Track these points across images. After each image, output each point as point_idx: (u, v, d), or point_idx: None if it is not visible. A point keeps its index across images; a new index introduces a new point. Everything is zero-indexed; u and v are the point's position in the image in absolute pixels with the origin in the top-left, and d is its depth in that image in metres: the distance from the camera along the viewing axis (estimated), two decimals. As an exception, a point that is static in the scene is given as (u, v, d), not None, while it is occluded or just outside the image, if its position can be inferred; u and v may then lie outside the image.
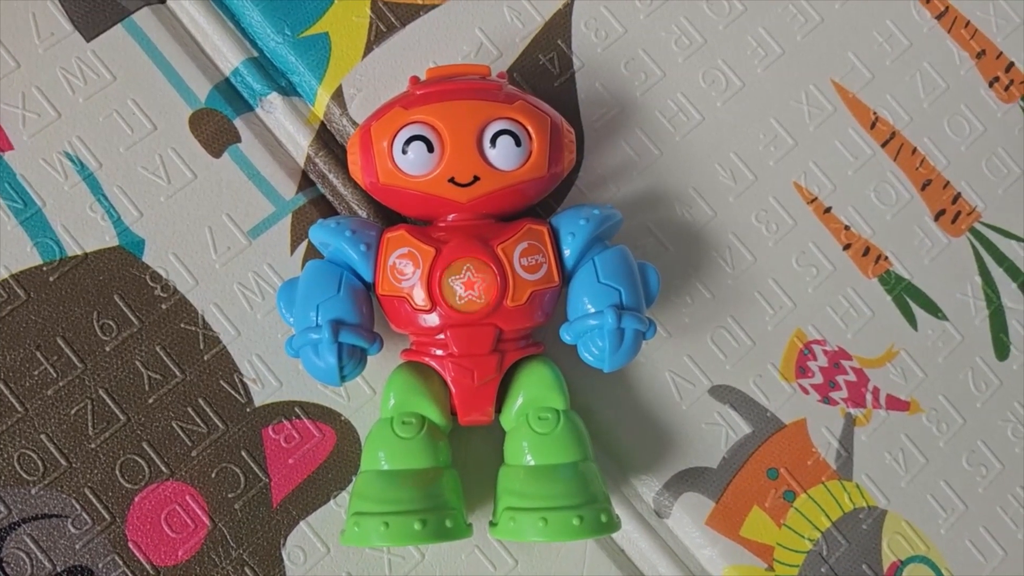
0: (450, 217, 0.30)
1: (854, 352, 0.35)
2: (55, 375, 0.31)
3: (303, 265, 0.32)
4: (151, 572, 0.30)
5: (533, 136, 0.29)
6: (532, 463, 0.29)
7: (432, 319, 0.29)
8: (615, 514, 0.29)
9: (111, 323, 0.31)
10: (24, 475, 0.30)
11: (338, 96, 0.34)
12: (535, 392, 0.30)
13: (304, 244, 0.33)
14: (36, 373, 0.31)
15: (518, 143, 0.29)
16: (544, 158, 0.29)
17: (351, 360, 0.29)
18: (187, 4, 0.35)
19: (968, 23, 0.38)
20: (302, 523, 0.31)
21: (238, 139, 0.33)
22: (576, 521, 0.28)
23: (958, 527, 0.34)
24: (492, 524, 0.30)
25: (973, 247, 0.36)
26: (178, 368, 0.31)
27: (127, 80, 0.33)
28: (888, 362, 0.35)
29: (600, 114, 0.35)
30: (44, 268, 0.31)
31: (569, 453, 0.29)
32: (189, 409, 0.31)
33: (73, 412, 0.30)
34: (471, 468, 0.31)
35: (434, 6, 0.35)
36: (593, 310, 0.29)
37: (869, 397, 0.34)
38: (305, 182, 0.34)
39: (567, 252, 0.30)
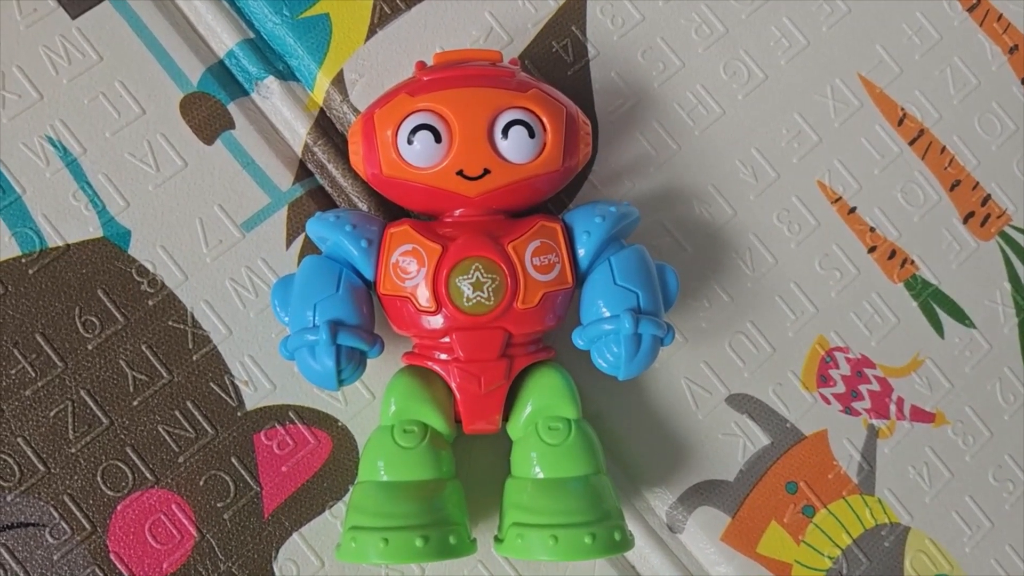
0: (457, 212, 0.29)
1: (878, 360, 0.33)
2: (33, 374, 0.29)
3: (299, 261, 0.31)
4: (133, 586, 0.29)
5: (547, 127, 0.28)
6: (541, 476, 0.28)
7: (437, 321, 0.28)
8: (629, 531, 0.28)
9: (94, 320, 0.30)
10: (-1, 481, 0.29)
11: (339, 81, 0.32)
12: (545, 400, 0.29)
13: (301, 238, 0.32)
14: (13, 372, 0.29)
15: (532, 134, 0.28)
16: (559, 151, 0.28)
17: (350, 363, 0.28)
18: (179, -19, 0.33)
19: (1001, 16, 0.37)
20: (295, 535, 0.30)
21: (232, 125, 0.32)
22: (588, 539, 0.27)
23: (984, 545, 0.33)
24: (498, 540, 0.28)
25: (1003, 251, 0.35)
26: (165, 369, 0.30)
27: (114, 61, 0.32)
28: (913, 371, 0.34)
29: (616, 105, 0.34)
30: (23, 260, 0.30)
31: (581, 466, 0.28)
32: (176, 412, 0.30)
33: (52, 414, 0.29)
34: (476, 480, 0.30)
35: (442, -12, 0.33)
36: (608, 314, 0.28)
37: (893, 408, 0.33)
38: (303, 172, 0.33)
39: (581, 251, 0.29)
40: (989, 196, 0.35)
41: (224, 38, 0.33)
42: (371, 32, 0.33)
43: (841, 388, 0.33)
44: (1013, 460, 0.34)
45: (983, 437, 0.34)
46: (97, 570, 0.28)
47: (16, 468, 0.29)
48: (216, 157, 0.32)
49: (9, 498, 0.28)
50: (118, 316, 0.30)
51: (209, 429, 0.30)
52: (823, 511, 0.32)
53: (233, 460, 0.30)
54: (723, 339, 0.33)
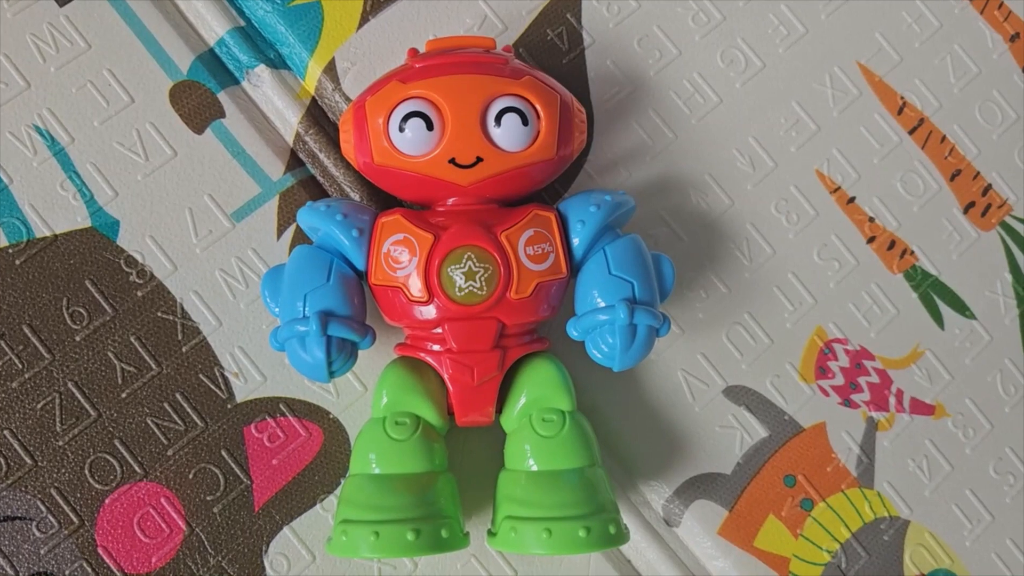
0: (450, 201, 0.28)
1: (877, 352, 0.33)
2: (20, 366, 0.29)
3: (290, 251, 0.30)
4: (122, 580, 0.28)
5: (541, 115, 0.27)
6: (535, 468, 0.27)
7: (429, 311, 0.27)
8: (624, 525, 0.27)
9: (82, 311, 0.29)
10: (-15, 474, 0.28)
11: (330, 70, 0.32)
12: (539, 392, 0.28)
13: (292, 228, 0.31)
14: (0, 364, 0.29)
15: (525, 122, 0.27)
16: (553, 139, 0.28)
17: (341, 354, 0.27)
18: (169, -32, 0.33)
19: (1001, 4, 0.36)
20: (286, 528, 0.29)
21: (222, 114, 0.32)
22: (583, 533, 0.26)
23: (984, 539, 0.33)
24: (491, 533, 0.28)
25: (1004, 242, 0.35)
26: (154, 360, 0.30)
27: (103, 48, 0.31)
28: (913, 363, 0.33)
29: (611, 94, 0.33)
30: (10, 250, 0.30)
31: (575, 458, 0.27)
32: (165, 405, 0.29)
33: (40, 406, 0.29)
34: (469, 472, 0.30)
35: (435, -25, 0.33)
36: (603, 304, 0.27)
37: (892, 400, 0.33)
38: (294, 161, 0.32)
39: (576, 241, 0.28)
40: (990, 186, 0.35)
41: (214, 26, 0.33)
42: (363, 20, 0.32)
43: (840, 380, 0.33)
44: (1014, 452, 0.33)
45: (983, 429, 0.33)
46: (85, 564, 0.28)
47: (3, 461, 0.28)
48: (206, 146, 0.31)
49: (-4, 491, 0.28)
50: (106, 307, 0.30)
51: (199, 422, 0.29)
52: (821, 504, 0.32)
53: (223, 453, 0.29)
54: (720, 330, 0.32)
